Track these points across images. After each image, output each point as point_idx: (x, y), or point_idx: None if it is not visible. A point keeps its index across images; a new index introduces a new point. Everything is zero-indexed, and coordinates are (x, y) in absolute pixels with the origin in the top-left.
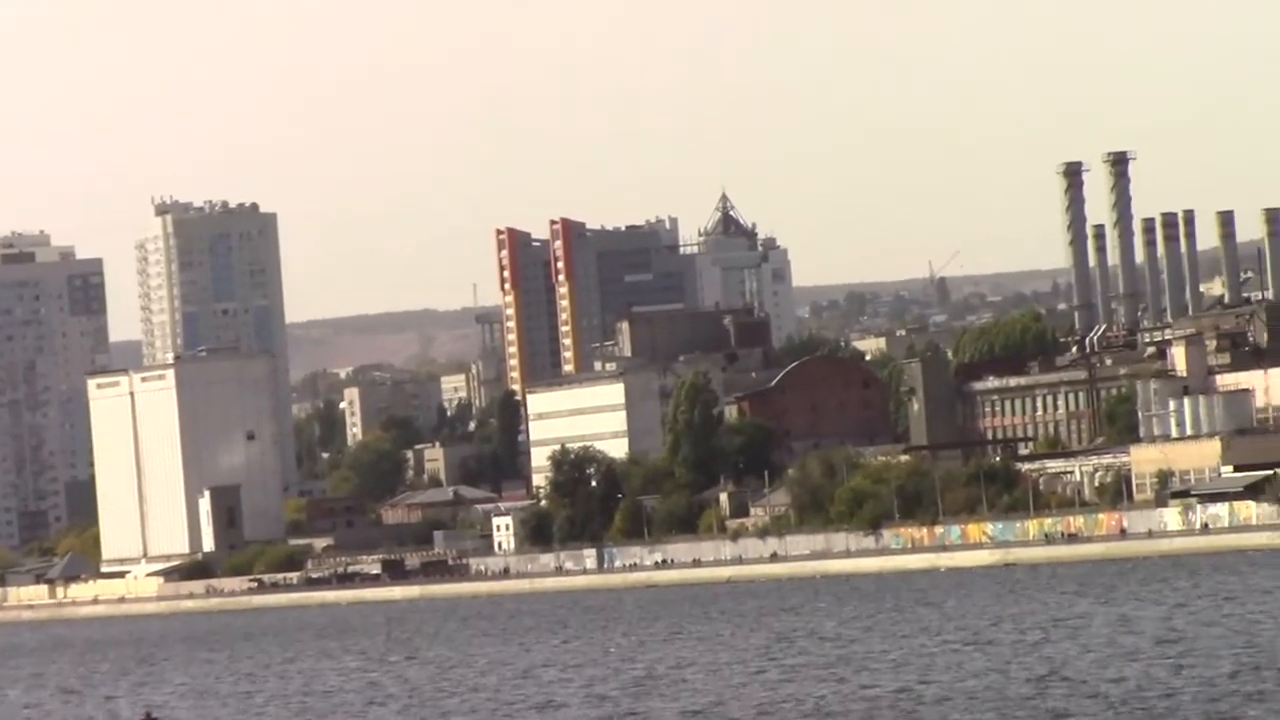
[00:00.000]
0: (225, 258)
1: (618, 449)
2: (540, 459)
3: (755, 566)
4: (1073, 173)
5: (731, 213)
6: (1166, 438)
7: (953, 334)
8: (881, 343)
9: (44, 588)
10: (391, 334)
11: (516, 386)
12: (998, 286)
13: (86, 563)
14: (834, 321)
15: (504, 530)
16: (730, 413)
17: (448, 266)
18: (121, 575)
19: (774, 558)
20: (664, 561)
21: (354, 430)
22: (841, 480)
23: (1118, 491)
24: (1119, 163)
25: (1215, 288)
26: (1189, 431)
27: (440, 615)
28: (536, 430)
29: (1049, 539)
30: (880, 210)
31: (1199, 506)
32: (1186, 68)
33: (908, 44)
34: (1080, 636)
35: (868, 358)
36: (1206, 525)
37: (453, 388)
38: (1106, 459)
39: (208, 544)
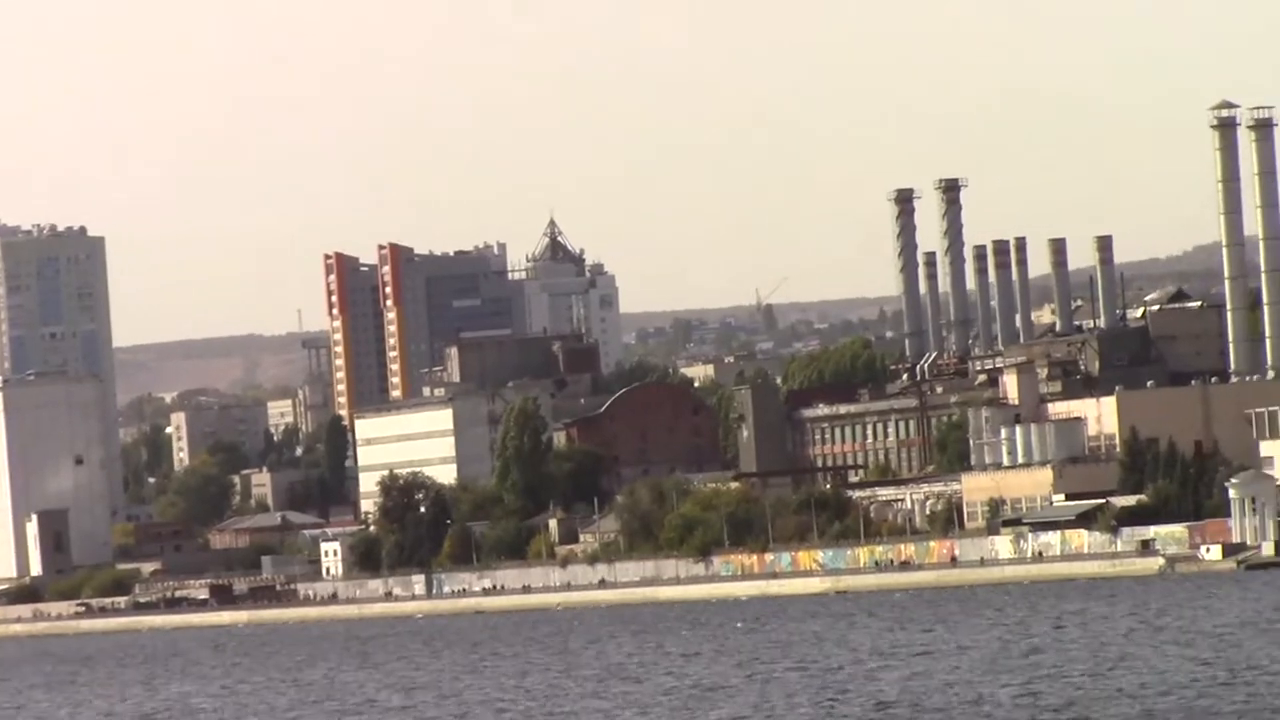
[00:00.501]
0: (53, 281)
1: (446, 475)
2: (369, 484)
3: (585, 593)
4: (904, 199)
5: (559, 239)
6: (998, 466)
7: (781, 361)
8: (709, 369)
9: None
10: (216, 359)
11: (344, 412)
12: (825, 314)
13: None
14: (660, 348)
15: (332, 556)
16: (559, 439)
17: (272, 292)
18: None
19: (602, 584)
20: (494, 588)
21: (181, 455)
22: (671, 507)
23: (949, 519)
24: (951, 189)
25: (1045, 315)
26: (1020, 460)
27: (271, 640)
28: (365, 455)
29: (880, 566)
30: (707, 237)
31: (1031, 535)
32: (1019, 94)
33: (734, 70)
34: (919, 663)
35: (696, 385)
36: (1041, 554)
37: (279, 413)
38: (938, 487)
39: (35, 568)
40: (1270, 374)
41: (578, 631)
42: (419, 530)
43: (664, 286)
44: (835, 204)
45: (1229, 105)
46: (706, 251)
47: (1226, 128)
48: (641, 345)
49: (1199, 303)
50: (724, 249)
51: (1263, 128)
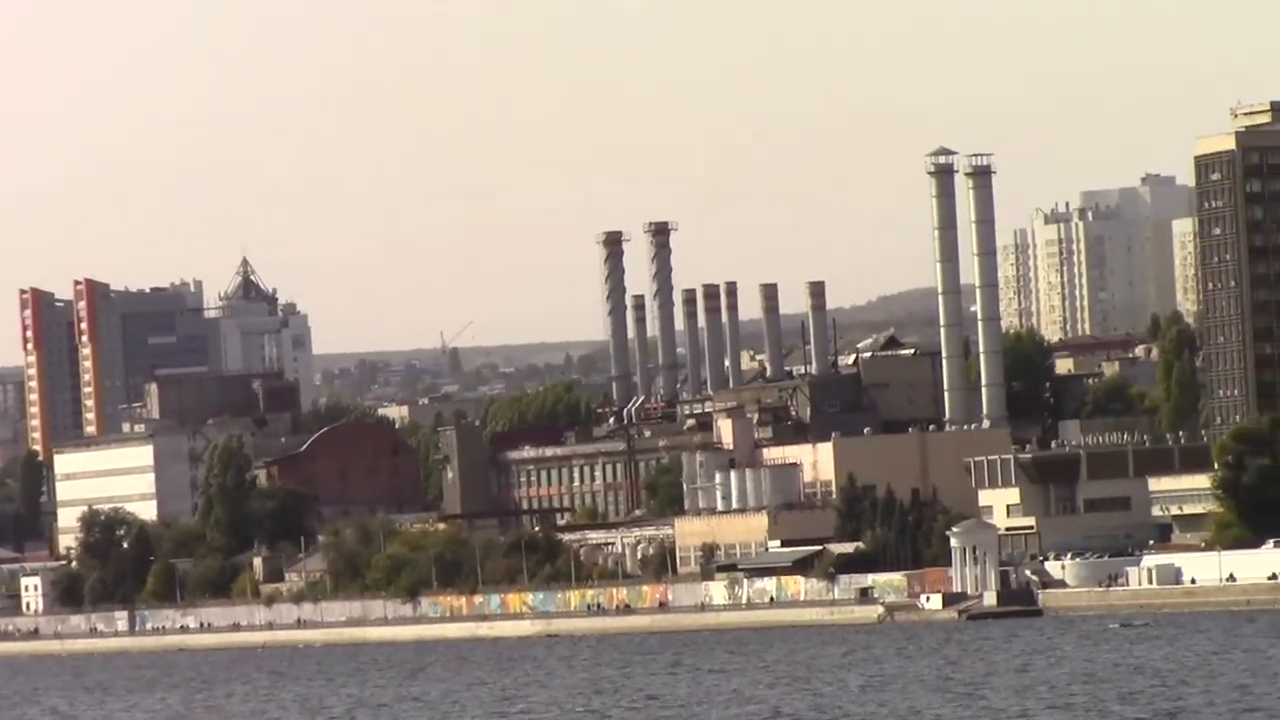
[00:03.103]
0: None
1: (146, 511)
2: (68, 520)
3: (289, 632)
4: (613, 242)
5: (252, 277)
6: (712, 511)
7: (470, 404)
8: (404, 410)
9: None
10: None
11: (38, 447)
12: (509, 358)
13: None
14: (346, 389)
15: (33, 590)
16: (260, 477)
17: None
18: None
19: (300, 624)
20: (201, 625)
21: None
22: (379, 547)
23: (661, 563)
24: (660, 233)
25: (745, 361)
26: (735, 505)
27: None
28: (64, 491)
29: (591, 610)
30: (392, 279)
31: (746, 581)
32: (727, 138)
33: (428, 110)
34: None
35: (397, 425)
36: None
37: None
38: (649, 531)
39: None
40: (986, 422)
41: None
42: (122, 566)
43: (349, 328)
44: (530, 247)
45: (947, 152)
46: (392, 294)
47: (944, 174)
48: (327, 386)
49: (912, 350)
50: (409, 291)
51: (980, 175)
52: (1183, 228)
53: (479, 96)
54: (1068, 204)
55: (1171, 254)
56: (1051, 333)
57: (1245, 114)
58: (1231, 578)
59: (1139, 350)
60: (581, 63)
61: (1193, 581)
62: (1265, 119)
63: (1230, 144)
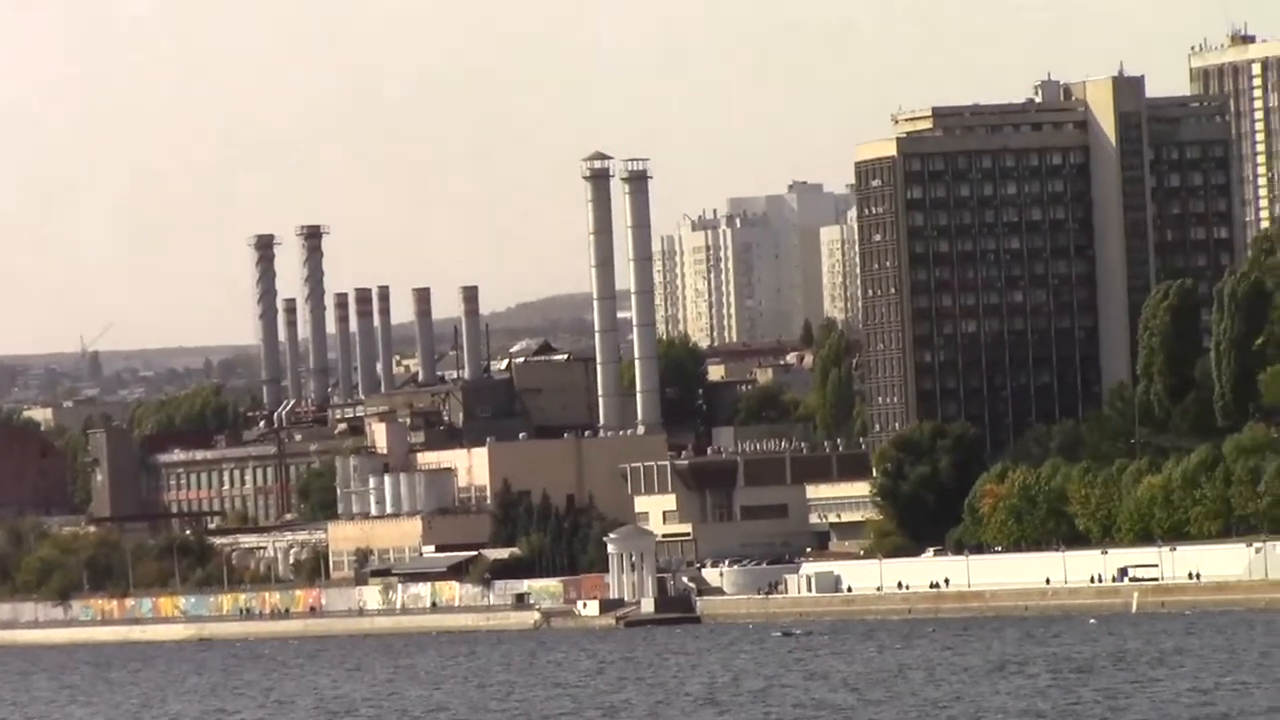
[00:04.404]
0: None
1: None
2: None
3: None
4: (264, 245)
5: None
6: (366, 515)
7: (113, 407)
8: (48, 413)
9: None
10: None
11: None
12: (149, 362)
13: None
14: None
15: None
16: None
17: None
18: None
19: None
20: None
21: None
22: (29, 549)
23: (315, 568)
24: (313, 236)
25: (396, 365)
26: (389, 509)
27: None
28: None
29: (244, 614)
30: (30, 281)
31: (400, 586)
32: (379, 140)
33: (72, 109)
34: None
35: (42, 428)
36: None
37: None
38: (302, 535)
39: None
40: (641, 429)
41: None
42: None
43: None
44: (174, 250)
45: (602, 156)
46: (30, 296)
47: (599, 179)
48: None
49: (565, 355)
50: (48, 294)
51: (636, 180)
52: (830, 235)
53: (119, 87)
54: (715, 211)
55: (819, 262)
56: (699, 340)
57: (906, 120)
58: (902, 585)
59: (791, 357)
60: (238, 58)
61: (849, 590)
62: (926, 125)
63: (891, 150)
